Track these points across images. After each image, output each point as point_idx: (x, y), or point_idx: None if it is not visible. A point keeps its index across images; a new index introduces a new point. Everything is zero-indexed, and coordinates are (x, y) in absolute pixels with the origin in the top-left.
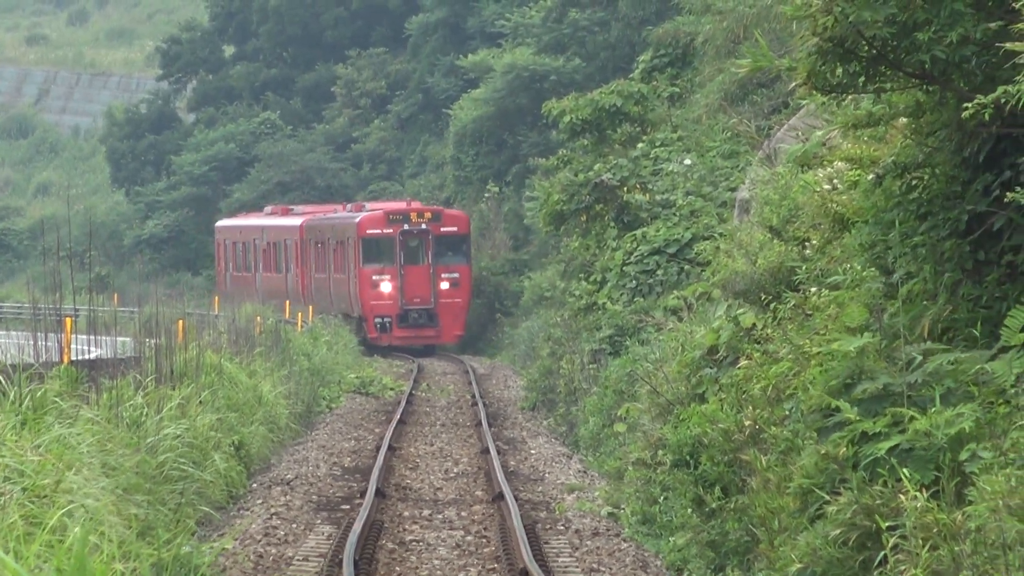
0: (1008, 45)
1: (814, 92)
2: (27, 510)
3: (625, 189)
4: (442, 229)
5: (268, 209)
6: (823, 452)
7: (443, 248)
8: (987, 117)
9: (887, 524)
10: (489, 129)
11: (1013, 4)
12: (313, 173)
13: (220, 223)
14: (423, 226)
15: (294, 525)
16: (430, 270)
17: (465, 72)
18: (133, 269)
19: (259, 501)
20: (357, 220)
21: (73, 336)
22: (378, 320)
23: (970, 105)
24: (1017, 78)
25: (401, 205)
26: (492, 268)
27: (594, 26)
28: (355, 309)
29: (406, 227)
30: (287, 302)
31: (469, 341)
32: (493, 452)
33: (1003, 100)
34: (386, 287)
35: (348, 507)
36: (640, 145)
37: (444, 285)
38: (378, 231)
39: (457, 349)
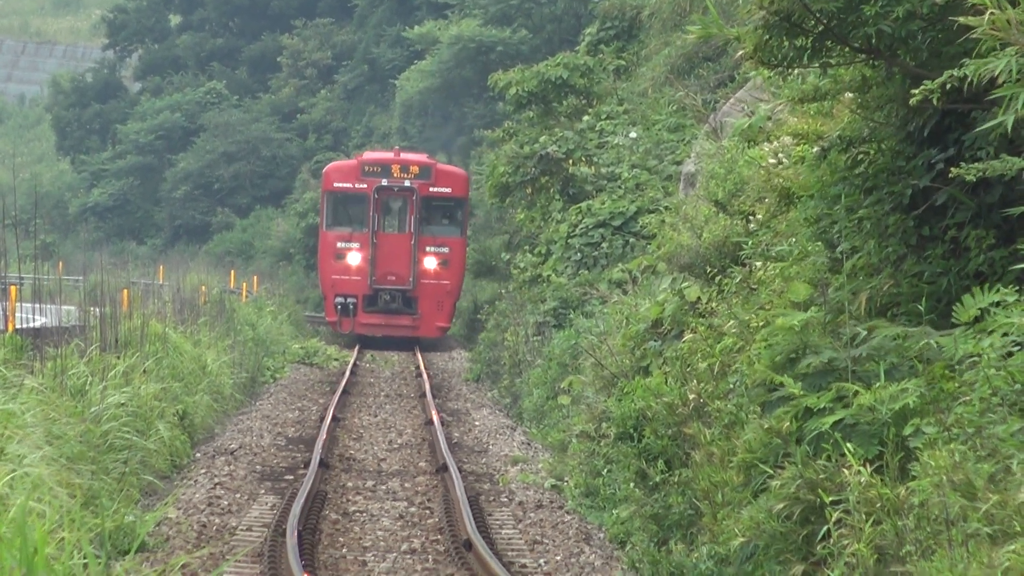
0: (961, 19)
1: (760, 66)
2: None
3: (571, 162)
4: (432, 189)
5: None
6: (767, 426)
7: (432, 213)
8: (935, 101)
9: (831, 499)
10: (435, 100)
11: None
12: (259, 143)
13: None
14: (407, 183)
15: (238, 495)
16: (411, 241)
17: (411, 43)
18: (78, 238)
19: (203, 471)
20: (324, 170)
21: (18, 304)
22: (339, 300)
23: (916, 92)
24: (963, 60)
25: (385, 155)
26: None
27: None
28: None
29: (384, 183)
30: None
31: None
32: (437, 423)
33: (948, 86)
34: (353, 259)
35: (292, 477)
36: (586, 118)
37: (429, 262)
38: (348, 185)
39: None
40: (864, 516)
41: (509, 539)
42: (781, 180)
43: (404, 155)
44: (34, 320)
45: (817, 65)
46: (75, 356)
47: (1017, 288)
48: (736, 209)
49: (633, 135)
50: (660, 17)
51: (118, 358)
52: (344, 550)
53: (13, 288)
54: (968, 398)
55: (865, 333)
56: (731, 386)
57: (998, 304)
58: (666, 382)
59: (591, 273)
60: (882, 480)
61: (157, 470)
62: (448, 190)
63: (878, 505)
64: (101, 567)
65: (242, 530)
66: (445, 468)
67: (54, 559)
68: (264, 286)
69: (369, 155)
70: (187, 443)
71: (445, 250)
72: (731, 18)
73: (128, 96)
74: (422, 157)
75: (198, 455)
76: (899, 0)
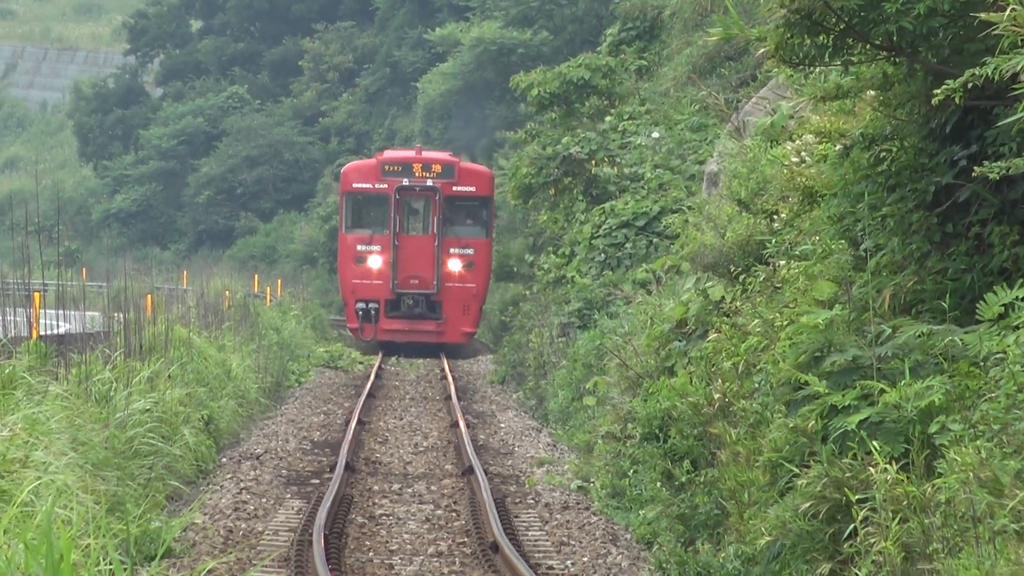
0: (983, 16)
1: (782, 64)
2: None
3: (593, 162)
4: (455, 188)
5: None
6: (792, 425)
7: (456, 213)
8: (958, 100)
9: (857, 497)
10: (457, 103)
11: None
12: (281, 147)
13: None
14: (429, 182)
15: (264, 500)
16: (435, 242)
17: (433, 46)
18: (101, 244)
19: (228, 476)
20: (342, 170)
21: (42, 311)
22: (360, 306)
23: (939, 92)
24: (985, 59)
25: (406, 153)
26: None
27: None
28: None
29: (406, 182)
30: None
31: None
32: (462, 426)
33: (970, 84)
34: (374, 262)
35: (318, 481)
36: (608, 118)
37: (453, 264)
38: (368, 186)
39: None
40: (891, 514)
41: (536, 541)
42: (804, 179)
43: (426, 153)
44: (58, 327)
45: (839, 63)
46: (99, 362)
47: None
48: (759, 208)
49: (655, 135)
50: (681, 17)
51: (143, 364)
52: (371, 554)
53: (37, 295)
54: (994, 395)
55: (890, 331)
56: (756, 385)
57: (1023, 299)
58: (691, 382)
59: (615, 274)
60: (908, 478)
61: (183, 475)
62: (472, 189)
63: (904, 503)
64: (127, 573)
65: (268, 535)
66: (471, 470)
67: (80, 566)
68: (288, 290)
69: (389, 154)
70: (212, 448)
71: (470, 251)
72: (752, 17)
73: (150, 101)
74: (444, 155)
75: (223, 460)
76: None
